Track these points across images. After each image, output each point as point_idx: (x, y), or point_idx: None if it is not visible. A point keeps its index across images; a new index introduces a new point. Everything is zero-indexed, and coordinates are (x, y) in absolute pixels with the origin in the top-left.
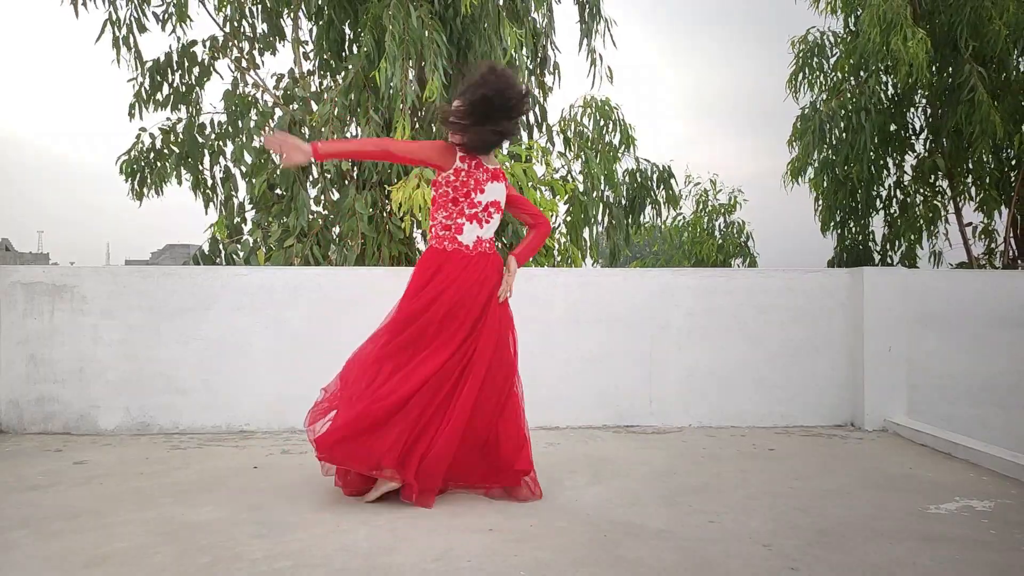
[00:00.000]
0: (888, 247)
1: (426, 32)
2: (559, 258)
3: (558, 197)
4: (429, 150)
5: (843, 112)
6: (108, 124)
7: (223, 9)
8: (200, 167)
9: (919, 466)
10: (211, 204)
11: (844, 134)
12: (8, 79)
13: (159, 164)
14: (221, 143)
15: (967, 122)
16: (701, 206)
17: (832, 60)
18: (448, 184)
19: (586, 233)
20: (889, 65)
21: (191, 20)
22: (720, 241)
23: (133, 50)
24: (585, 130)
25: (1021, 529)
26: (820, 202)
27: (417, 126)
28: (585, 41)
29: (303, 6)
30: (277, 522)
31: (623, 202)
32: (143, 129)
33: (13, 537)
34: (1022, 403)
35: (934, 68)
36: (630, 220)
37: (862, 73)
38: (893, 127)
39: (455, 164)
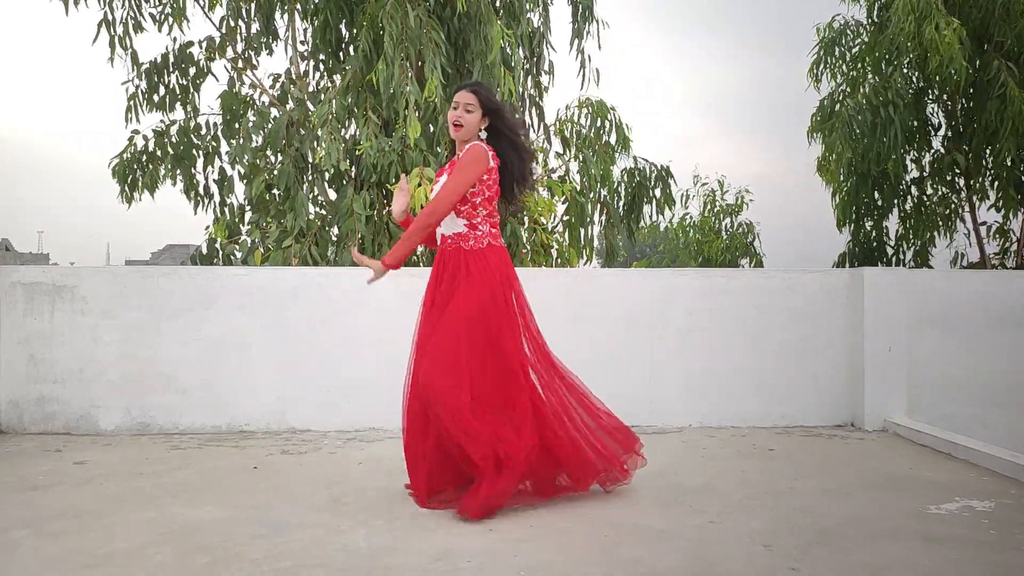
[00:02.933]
0: (902, 245)
1: (424, 31)
2: (556, 257)
3: (556, 197)
4: (473, 170)
5: (868, 106)
6: (108, 124)
7: (214, 8)
8: (193, 170)
9: (919, 466)
10: (201, 206)
11: (874, 127)
12: (7, 78)
13: (151, 167)
14: (215, 144)
15: (998, 119)
16: (708, 206)
17: (854, 50)
18: (487, 184)
19: (584, 233)
20: (913, 58)
21: (187, 21)
22: (727, 241)
23: (129, 51)
24: (582, 130)
25: (1021, 529)
26: (837, 198)
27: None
28: (576, 42)
29: (298, 5)
30: (277, 522)
31: (620, 202)
32: (136, 132)
33: (14, 537)
34: (1022, 403)
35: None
36: (630, 220)
37: (883, 66)
38: (914, 123)
39: (489, 164)
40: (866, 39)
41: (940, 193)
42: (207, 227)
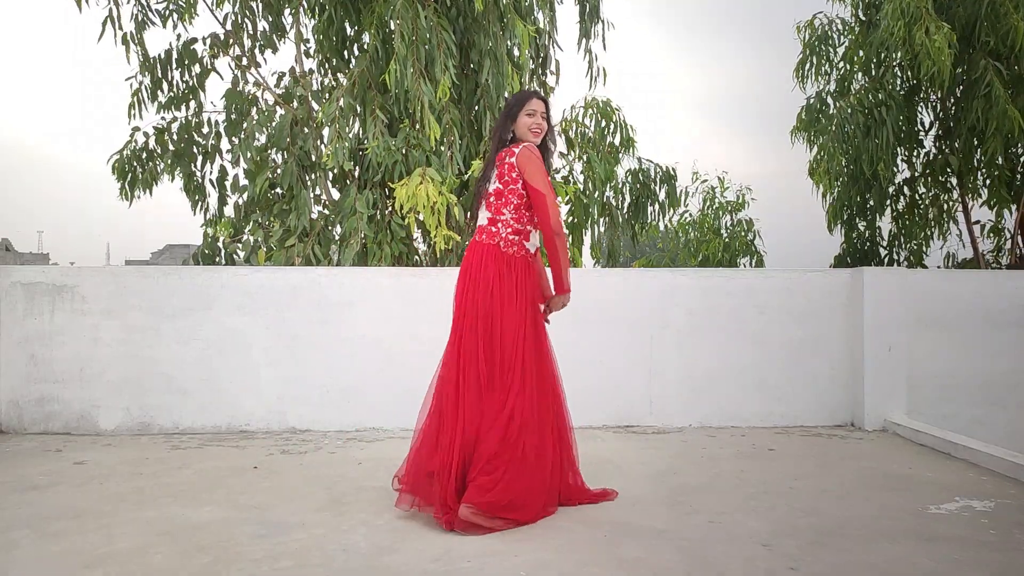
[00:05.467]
0: (895, 245)
1: (435, 32)
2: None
3: (560, 198)
4: (543, 173)
5: (860, 107)
6: (108, 123)
7: (221, 6)
8: (193, 168)
9: (919, 466)
10: (200, 206)
11: (867, 129)
12: (7, 78)
13: (150, 164)
14: (216, 143)
15: (985, 119)
16: (708, 203)
17: (840, 49)
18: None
19: (588, 234)
20: (903, 60)
21: (196, 16)
22: (727, 239)
23: (139, 48)
24: (587, 131)
25: (1021, 529)
26: (828, 199)
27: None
28: (584, 42)
29: (303, 2)
30: (277, 522)
31: (625, 202)
32: (136, 128)
33: (14, 537)
34: (1022, 403)
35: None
36: (633, 221)
37: (873, 67)
38: (903, 122)
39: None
40: (852, 38)
41: (932, 193)
42: (201, 225)
